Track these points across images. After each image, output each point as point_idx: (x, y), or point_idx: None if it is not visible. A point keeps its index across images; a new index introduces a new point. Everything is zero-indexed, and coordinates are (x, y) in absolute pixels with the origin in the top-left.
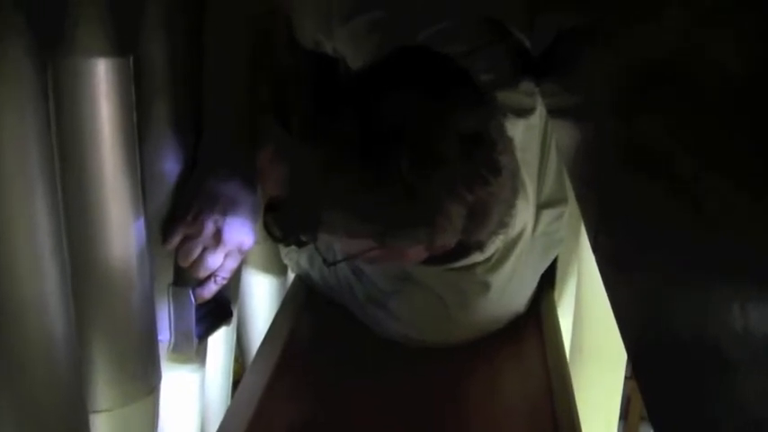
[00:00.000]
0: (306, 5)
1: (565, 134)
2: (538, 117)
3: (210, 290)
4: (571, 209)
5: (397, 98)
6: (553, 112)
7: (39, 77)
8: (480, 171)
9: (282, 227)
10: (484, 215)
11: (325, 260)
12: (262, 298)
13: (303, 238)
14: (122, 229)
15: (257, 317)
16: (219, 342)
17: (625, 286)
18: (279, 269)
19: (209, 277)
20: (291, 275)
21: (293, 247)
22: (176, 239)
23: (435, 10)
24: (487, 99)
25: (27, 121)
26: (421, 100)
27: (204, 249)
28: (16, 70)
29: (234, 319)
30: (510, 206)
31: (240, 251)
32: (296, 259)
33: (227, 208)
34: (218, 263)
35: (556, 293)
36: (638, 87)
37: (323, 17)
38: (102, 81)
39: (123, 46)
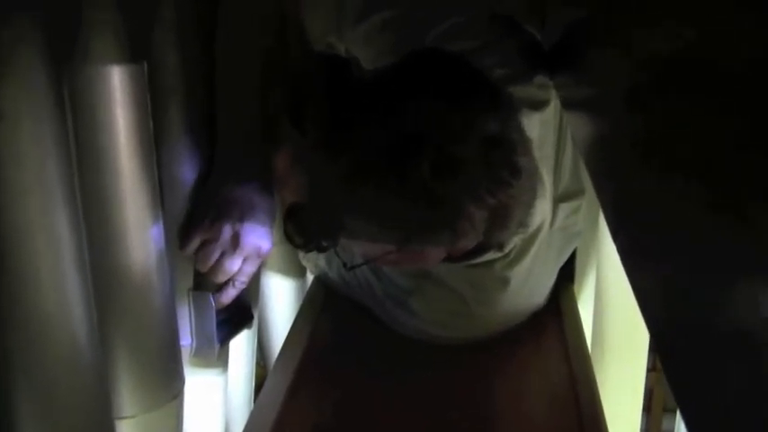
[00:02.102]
0: (316, 8)
1: (580, 126)
2: (553, 110)
3: (229, 295)
4: (588, 201)
5: (416, 103)
6: (567, 105)
7: (55, 85)
8: (501, 174)
9: (303, 233)
10: (505, 217)
11: (345, 264)
12: (281, 301)
13: (324, 244)
14: (141, 235)
15: (277, 320)
16: (241, 346)
17: (648, 275)
18: (297, 271)
19: (227, 282)
20: (310, 277)
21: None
22: (194, 245)
23: (445, 7)
24: (506, 101)
25: (44, 129)
26: (439, 104)
27: (222, 254)
28: (32, 77)
29: (255, 323)
30: (529, 206)
31: (258, 255)
32: (314, 260)
33: (245, 212)
34: (236, 267)
35: (576, 286)
36: (652, 78)
37: (333, 19)
38: (117, 88)
39: (136, 52)
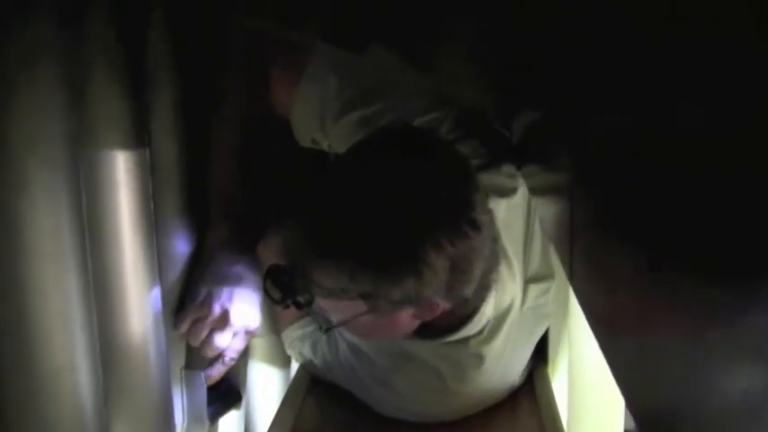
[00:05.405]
0: (303, 107)
1: (547, 211)
2: (521, 196)
3: (219, 370)
4: (558, 284)
5: (380, 165)
6: (534, 191)
7: (73, 165)
8: (461, 226)
9: (281, 289)
10: (466, 270)
11: (321, 327)
12: (267, 389)
13: (300, 300)
14: (141, 309)
15: (262, 408)
16: (231, 429)
17: (620, 350)
18: (283, 361)
19: (217, 358)
20: (294, 366)
21: (296, 335)
22: (186, 324)
23: (421, 105)
24: (466, 164)
25: (62, 201)
26: (404, 166)
27: (212, 330)
28: (52, 157)
29: (243, 404)
30: (491, 268)
31: (247, 331)
32: (299, 349)
33: (234, 291)
34: (225, 343)
35: (549, 367)
36: (601, 162)
37: (318, 116)
38: (121, 171)
39: (140, 139)
